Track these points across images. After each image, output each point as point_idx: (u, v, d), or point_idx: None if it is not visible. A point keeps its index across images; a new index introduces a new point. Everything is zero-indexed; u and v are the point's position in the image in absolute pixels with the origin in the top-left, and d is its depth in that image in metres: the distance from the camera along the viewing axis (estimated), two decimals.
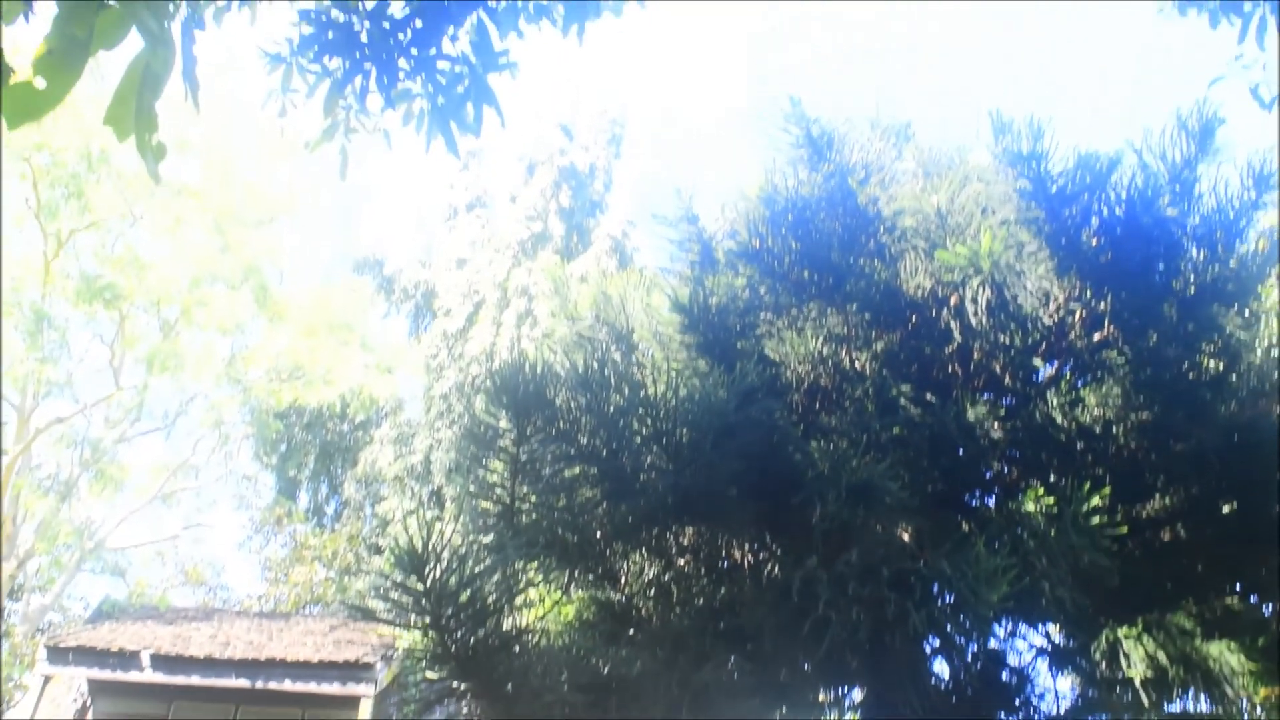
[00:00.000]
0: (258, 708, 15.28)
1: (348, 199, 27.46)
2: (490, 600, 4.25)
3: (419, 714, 4.42)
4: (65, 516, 23.90)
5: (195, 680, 14.18)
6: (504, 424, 4.94)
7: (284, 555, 28.87)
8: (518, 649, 4.37)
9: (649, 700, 4.35)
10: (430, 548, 4.10)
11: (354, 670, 14.01)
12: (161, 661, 14.18)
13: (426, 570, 4.11)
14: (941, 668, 5.98)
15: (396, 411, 30.09)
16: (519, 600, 4.70)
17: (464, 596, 4.18)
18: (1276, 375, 5.67)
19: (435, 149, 4.96)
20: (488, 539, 4.92)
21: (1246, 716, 6.60)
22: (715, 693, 4.36)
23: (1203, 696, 5.69)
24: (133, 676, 14.09)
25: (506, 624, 4.41)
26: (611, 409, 4.76)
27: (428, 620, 4.17)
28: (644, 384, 4.84)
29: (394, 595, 4.29)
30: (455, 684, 4.34)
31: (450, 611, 4.17)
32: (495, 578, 4.31)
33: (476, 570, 4.25)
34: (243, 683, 14.16)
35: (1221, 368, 5.64)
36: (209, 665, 14.22)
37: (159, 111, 2.54)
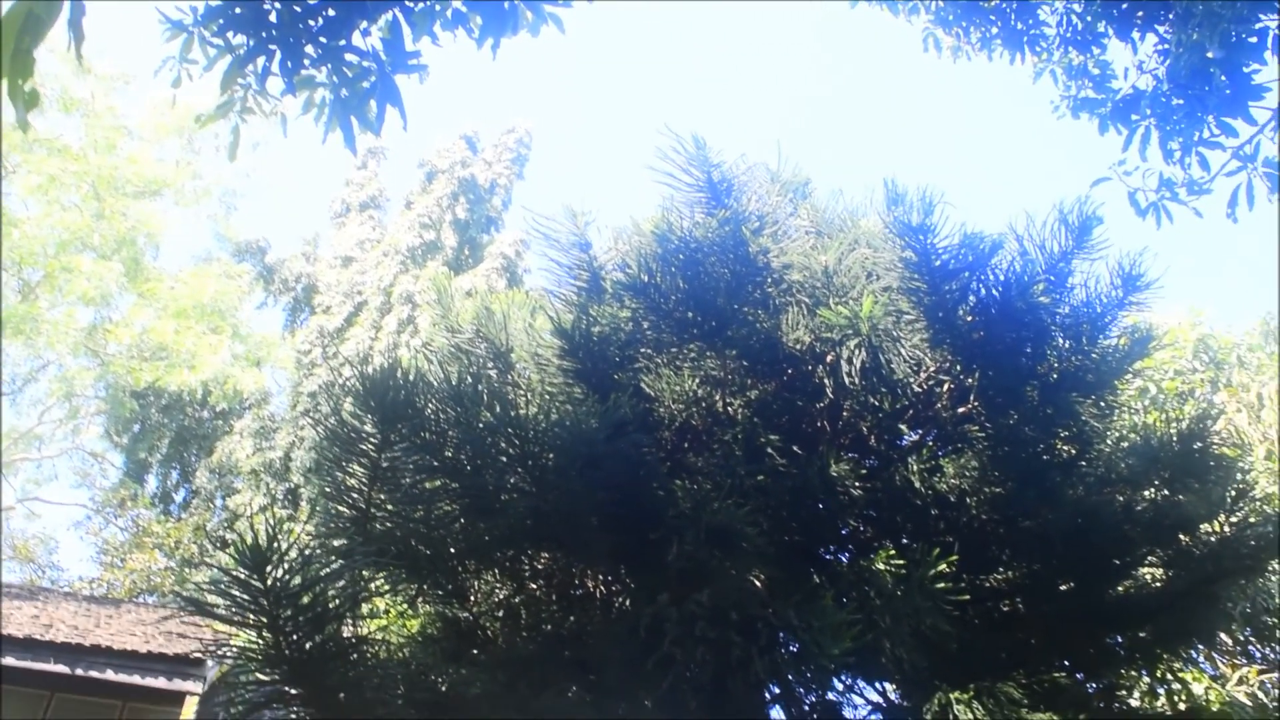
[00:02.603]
0: (75, 696, 14.48)
1: (236, 181, 26.58)
2: (332, 605, 4.12)
3: (245, 716, 4.24)
4: None
5: (9, 661, 13.35)
6: (368, 427, 4.82)
7: (124, 540, 27.59)
8: (355, 657, 4.24)
9: None
10: (274, 545, 3.96)
11: (182, 665, 13.43)
12: None
13: (268, 568, 3.97)
14: (779, 716, 6.05)
15: (261, 404, 29.11)
16: (363, 609, 4.57)
17: (305, 599, 4.04)
18: (1125, 466, 5.94)
19: (333, 142, 4.85)
20: (337, 543, 4.79)
21: None
22: None
23: None
24: None
25: (346, 631, 4.28)
26: (480, 425, 4.69)
27: (264, 620, 4.02)
28: (516, 404, 4.79)
29: (232, 591, 4.13)
30: (286, 688, 4.18)
31: (289, 613, 4.03)
32: (340, 583, 4.18)
33: (321, 573, 4.11)
34: (61, 668, 13.40)
35: (1074, 453, 5.87)
36: (26, 646, 13.42)
37: (48, 66, 2.43)
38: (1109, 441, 6.21)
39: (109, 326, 23.62)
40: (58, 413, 26.54)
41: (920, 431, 5.80)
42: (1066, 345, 5.62)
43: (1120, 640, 6.15)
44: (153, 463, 30.64)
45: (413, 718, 4.18)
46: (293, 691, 4.18)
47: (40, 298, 22.91)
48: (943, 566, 4.66)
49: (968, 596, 4.80)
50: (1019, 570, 5.91)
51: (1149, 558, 6.11)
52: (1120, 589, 6.07)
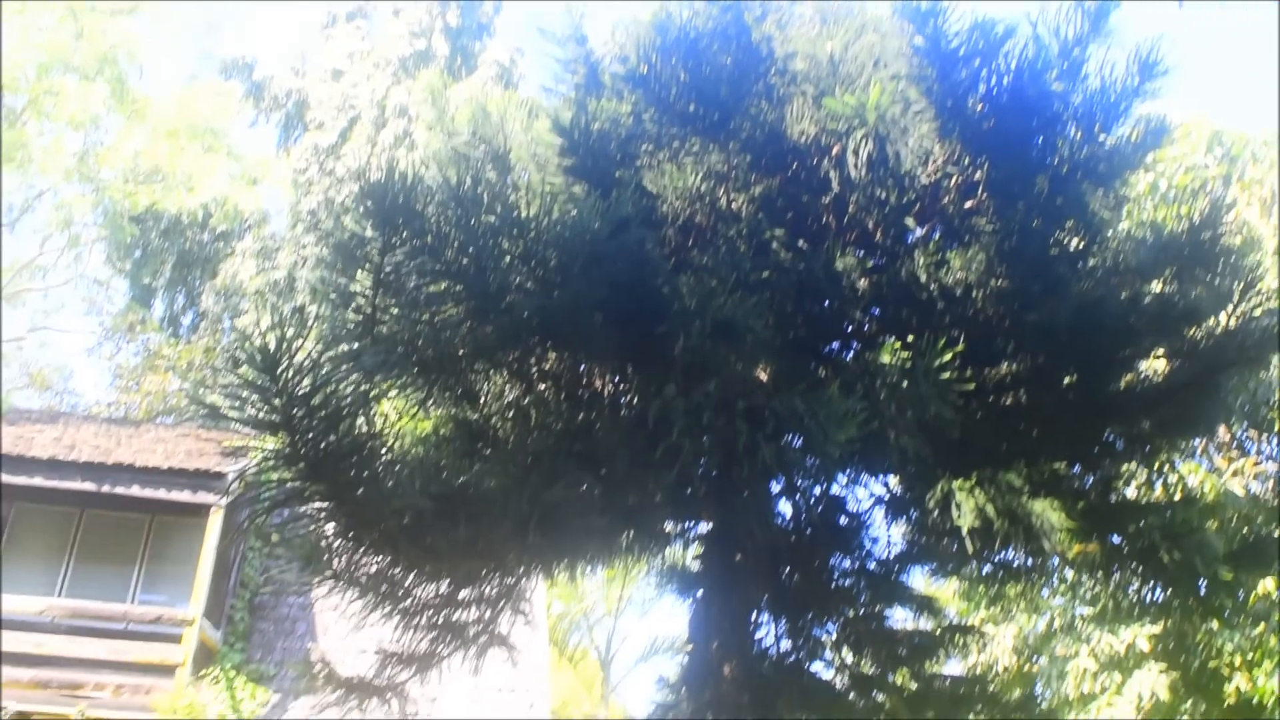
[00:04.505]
0: (103, 512, 14.97)
1: None
2: (345, 405, 4.18)
3: (266, 513, 4.37)
4: None
5: (37, 481, 13.74)
6: (370, 232, 4.78)
7: (136, 364, 27.93)
8: (368, 453, 4.33)
9: (499, 514, 4.38)
10: (285, 347, 3.98)
11: (205, 478, 13.80)
12: (1, 461, 13.65)
13: (279, 370, 3.99)
14: (785, 508, 6.23)
15: (261, 224, 28.76)
16: (375, 411, 4.64)
17: (317, 399, 4.10)
18: (1133, 258, 5.90)
19: None
20: (346, 347, 4.81)
21: (1057, 572, 7.11)
22: (565, 511, 4.42)
23: (1021, 552, 6.08)
24: None
25: (360, 429, 4.35)
26: (482, 227, 4.64)
27: (277, 419, 4.08)
28: (517, 205, 4.72)
29: (245, 395, 4.17)
30: (305, 486, 4.29)
31: (302, 413, 4.08)
32: (351, 380, 4.22)
33: (332, 374, 4.15)
34: (88, 486, 13.79)
35: (1081, 245, 5.81)
36: (52, 467, 13.78)
37: None
38: (1119, 233, 6.15)
39: (100, 151, 23.19)
40: (58, 241, 26.40)
41: (927, 226, 5.73)
42: (1078, 135, 5.47)
43: (1120, 433, 6.25)
44: (158, 287, 30.62)
45: (429, 509, 4.30)
46: (311, 488, 4.29)
47: (27, 124, 22.43)
48: (947, 357, 4.68)
49: (972, 385, 4.83)
50: (1023, 363, 5.95)
51: (1152, 350, 6.15)
52: (1122, 382, 6.12)
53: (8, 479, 13.64)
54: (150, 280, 30.31)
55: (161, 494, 13.86)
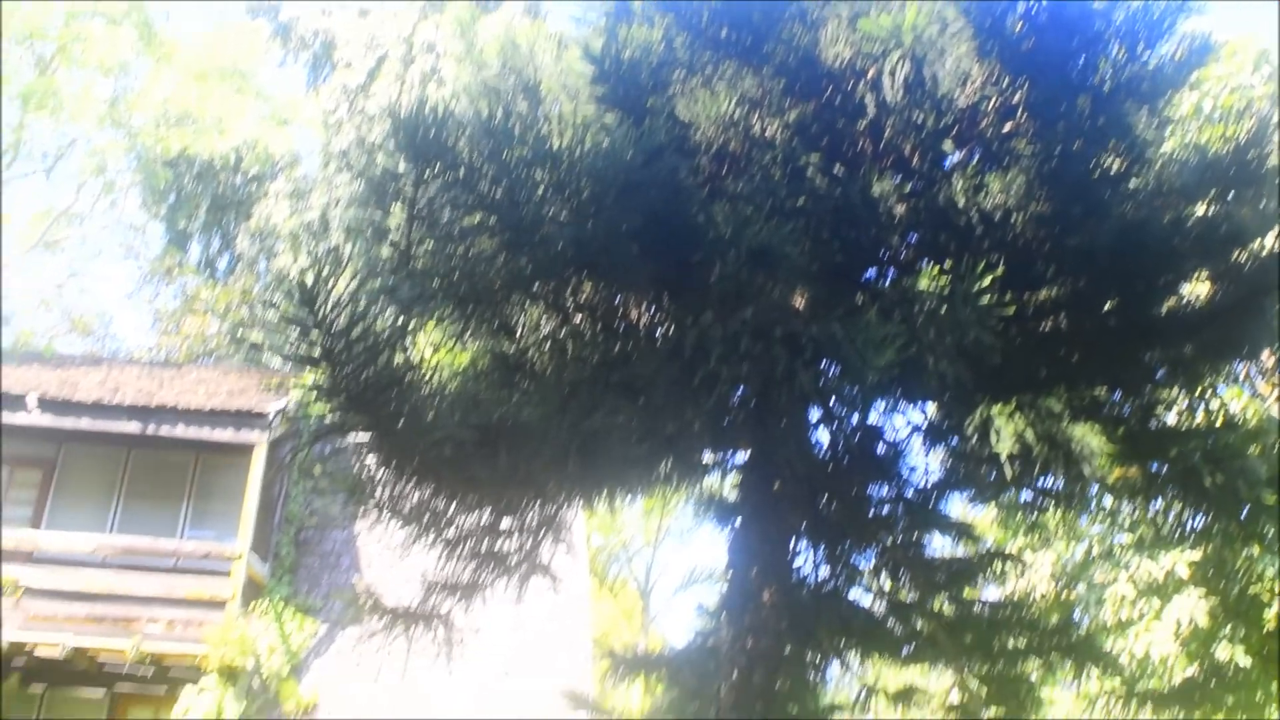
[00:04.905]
0: (149, 453, 15.28)
1: None
2: (383, 338, 4.21)
3: (309, 445, 4.44)
4: None
5: (85, 424, 13.99)
6: (402, 167, 4.77)
7: (175, 307, 28.19)
8: (407, 385, 4.37)
9: (539, 443, 4.43)
10: (322, 281, 4.01)
11: (247, 418, 13.97)
12: (49, 405, 13.89)
13: (317, 304, 4.03)
14: (823, 437, 6.23)
15: (292, 166, 28.73)
16: (412, 345, 4.67)
17: (355, 332, 4.13)
18: (1176, 180, 5.77)
19: None
20: (382, 282, 4.84)
21: (1096, 499, 7.09)
22: (604, 440, 4.45)
23: (1060, 478, 6.05)
24: (19, 419, 13.78)
25: (399, 361, 4.39)
26: (514, 159, 4.62)
27: (317, 353, 4.12)
28: (549, 136, 4.69)
29: (285, 330, 4.22)
30: (346, 418, 4.34)
31: (341, 346, 4.12)
32: (388, 313, 4.26)
33: (369, 308, 4.18)
34: (134, 427, 14.03)
35: (1123, 167, 5.70)
36: (99, 410, 14.00)
37: None
38: (1162, 155, 6.02)
39: (131, 96, 23.25)
40: (94, 188, 26.57)
41: (965, 148, 5.64)
42: (1120, 54, 5.34)
43: (1161, 357, 6.18)
44: (193, 231, 30.68)
45: (470, 439, 4.34)
46: (353, 419, 4.34)
47: (57, 71, 22.49)
48: (987, 281, 4.64)
49: (1012, 311, 4.79)
50: (1063, 288, 5.88)
51: (1195, 273, 6.05)
52: (1164, 306, 6.04)
53: (58, 423, 13.92)
54: (185, 224, 30.40)
55: (205, 433, 14.08)
